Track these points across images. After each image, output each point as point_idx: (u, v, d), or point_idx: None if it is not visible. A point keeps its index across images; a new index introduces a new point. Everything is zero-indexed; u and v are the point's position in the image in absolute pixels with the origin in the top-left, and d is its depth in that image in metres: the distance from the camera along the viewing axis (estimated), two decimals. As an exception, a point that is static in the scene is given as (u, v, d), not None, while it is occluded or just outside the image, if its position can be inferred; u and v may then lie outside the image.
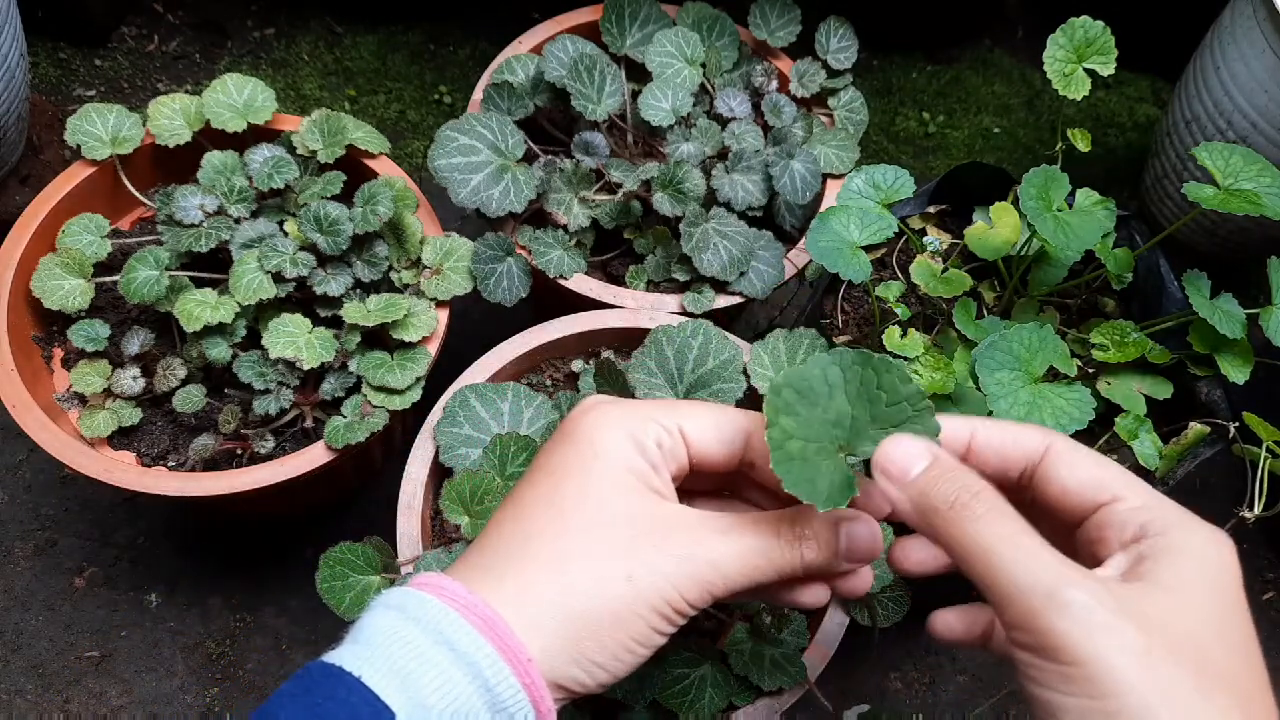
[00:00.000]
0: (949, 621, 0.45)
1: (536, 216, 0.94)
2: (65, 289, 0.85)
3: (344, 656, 0.38)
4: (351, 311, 0.83)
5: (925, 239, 0.91)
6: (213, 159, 0.89)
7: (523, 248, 0.90)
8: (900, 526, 0.44)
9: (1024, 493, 0.41)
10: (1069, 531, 0.41)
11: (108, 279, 0.86)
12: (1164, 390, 0.79)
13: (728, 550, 0.41)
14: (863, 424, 0.42)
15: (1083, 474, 0.40)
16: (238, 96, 0.91)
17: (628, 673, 0.41)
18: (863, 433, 0.42)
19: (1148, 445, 0.76)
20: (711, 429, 0.43)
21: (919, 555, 0.43)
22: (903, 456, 0.40)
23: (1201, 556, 0.37)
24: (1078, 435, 0.68)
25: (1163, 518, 0.38)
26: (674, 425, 0.43)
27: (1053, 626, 0.34)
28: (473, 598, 0.39)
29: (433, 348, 0.85)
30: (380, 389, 0.83)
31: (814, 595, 0.45)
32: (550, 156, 0.93)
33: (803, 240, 0.91)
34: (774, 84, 1.00)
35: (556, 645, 0.39)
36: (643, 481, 0.41)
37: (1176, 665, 0.33)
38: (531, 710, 0.39)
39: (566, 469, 0.42)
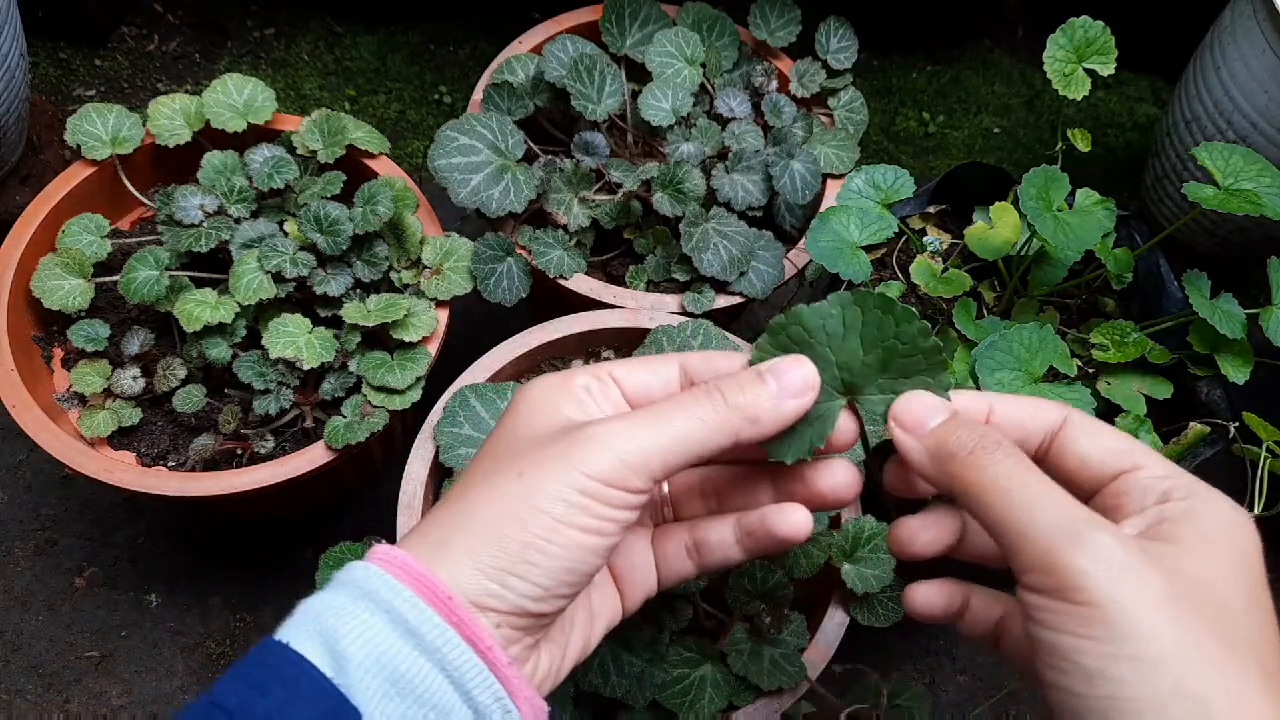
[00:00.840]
0: (929, 596, 0.44)
1: (536, 216, 0.94)
2: (65, 289, 0.85)
3: (281, 630, 0.38)
4: (351, 311, 0.83)
5: (925, 239, 0.91)
6: (213, 159, 0.89)
7: (523, 248, 0.90)
8: (899, 508, 0.44)
9: (1041, 464, 0.40)
10: (1085, 501, 0.39)
11: (108, 279, 0.86)
12: (1164, 390, 0.79)
13: (644, 421, 0.39)
14: (872, 371, 0.41)
15: (1104, 443, 0.39)
16: (238, 96, 0.91)
17: (556, 583, 0.38)
18: (872, 380, 0.41)
19: (1148, 444, 0.76)
20: (642, 368, 0.43)
21: (926, 536, 0.42)
22: (921, 409, 0.40)
23: (1224, 523, 0.36)
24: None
25: (1186, 485, 0.37)
26: (602, 373, 0.43)
27: (1073, 564, 0.33)
28: (395, 550, 0.39)
29: (433, 348, 0.85)
30: (380, 389, 0.83)
31: (793, 516, 0.43)
32: (550, 156, 0.93)
33: (803, 240, 0.91)
34: (774, 84, 1.00)
35: (464, 566, 0.38)
36: (555, 419, 0.41)
37: (1198, 617, 0.33)
38: (463, 644, 0.37)
39: (493, 434, 0.42)
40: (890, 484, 0.44)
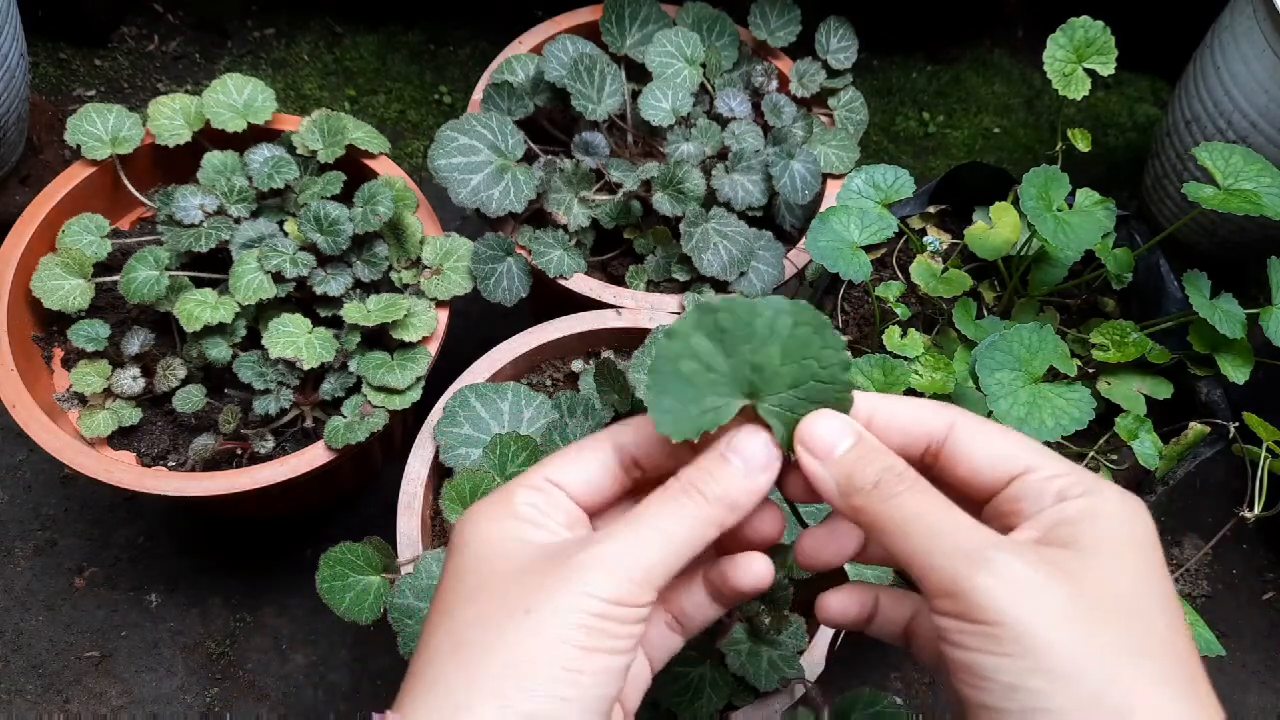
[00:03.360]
0: (843, 602, 0.44)
1: (536, 216, 0.94)
2: (65, 289, 0.85)
3: None
4: (351, 311, 0.83)
5: (925, 239, 0.91)
6: (213, 159, 0.89)
7: (523, 248, 0.90)
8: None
9: (930, 473, 0.40)
10: (978, 509, 0.39)
11: (108, 279, 0.86)
12: (1164, 390, 0.79)
13: (634, 535, 0.38)
14: (781, 382, 0.40)
15: (992, 449, 0.39)
16: (238, 96, 0.91)
17: (593, 702, 0.36)
18: (776, 390, 0.40)
19: (1148, 445, 0.76)
20: (574, 464, 0.41)
21: (833, 547, 0.42)
22: (828, 433, 0.39)
23: (1120, 519, 0.36)
24: (1078, 435, 0.69)
25: (1078, 484, 0.37)
26: (538, 481, 0.40)
27: (975, 587, 0.33)
28: None
29: (433, 348, 0.85)
30: (380, 389, 0.83)
31: (753, 567, 0.42)
32: (550, 156, 0.93)
33: (803, 240, 0.91)
34: (774, 84, 1.00)
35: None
36: (523, 546, 0.39)
37: (1104, 624, 0.33)
38: None
39: (449, 580, 0.39)
40: (792, 494, 0.43)
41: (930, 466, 0.40)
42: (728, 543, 0.43)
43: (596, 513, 0.42)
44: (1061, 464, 0.38)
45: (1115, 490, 0.37)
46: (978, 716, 0.34)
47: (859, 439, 0.39)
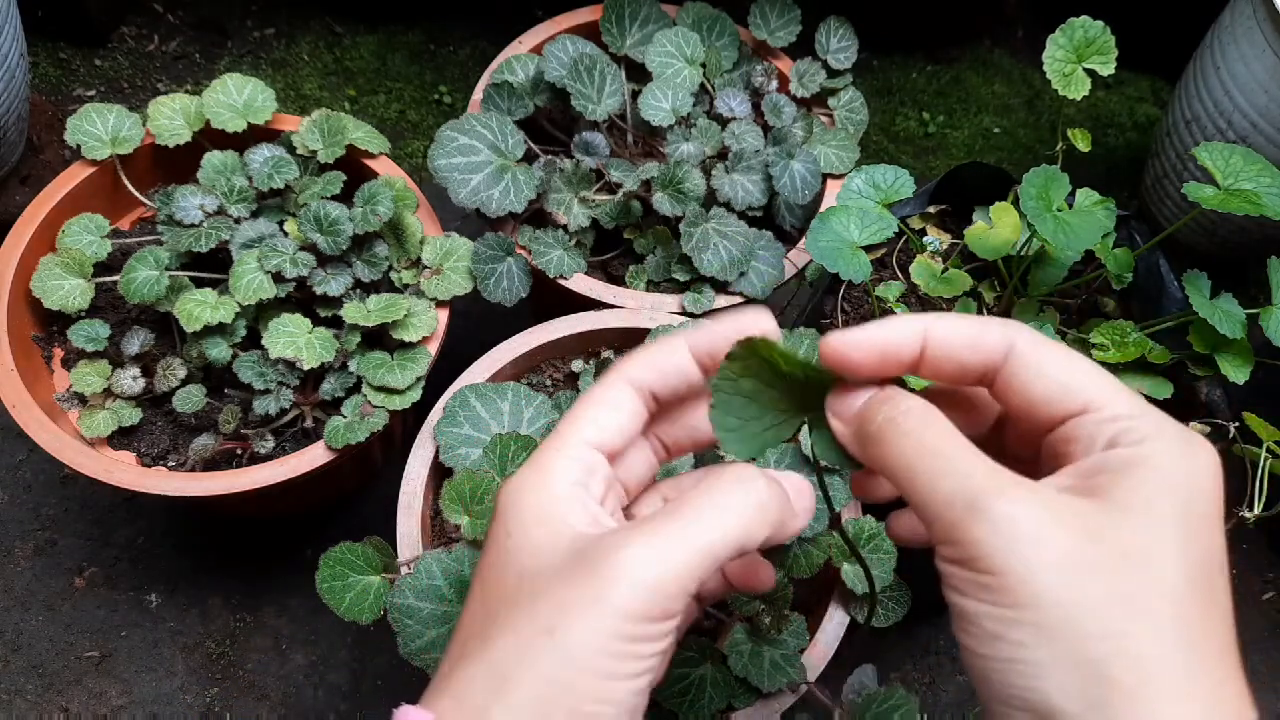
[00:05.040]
0: (912, 522, 0.43)
1: (536, 216, 0.94)
2: (65, 289, 0.85)
3: None
4: (351, 311, 0.83)
5: (925, 239, 0.91)
6: (213, 159, 0.89)
7: (523, 248, 0.90)
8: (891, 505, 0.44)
9: (991, 395, 0.38)
10: (1042, 439, 0.37)
11: (108, 279, 0.86)
12: (1164, 390, 0.79)
13: (670, 535, 0.35)
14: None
15: (1049, 381, 0.35)
16: (238, 96, 0.91)
17: (628, 713, 0.35)
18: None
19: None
20: (601, 411, 0.40)
21: (909, 522, 0.42)
22: (849, 393, 0.38)
23: (1167, 472, 0.33)
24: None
25: (1135, 429, 0.34)
26: (578, 448, 0.39)
27: (969, 536, 0.32)
28: None
29: (433, 348, 0.85)
30: (380, 389, 0.83)
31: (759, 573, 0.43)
32: (550, 156, 0.93)
33: (803, 240, 0.91)
34: (774, 84, 1.00)
35: None
36: (558, 538, 0.37)
37: (1101, 577, 0.31)
38: None
39: (489, 563, 0.39)
40: (855, 491, 0.43)
41: (991, 391, 0.38)
42: None
43: (620, 454, 0.41)
44: (1126, 403, 0.35)
45: (1178, 441, 0.34)
46: (968, 661, 0.34)
47: (874, 393, 0.38)
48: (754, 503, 0.37)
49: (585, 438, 0.39)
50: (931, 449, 0.35)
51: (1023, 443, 0.38)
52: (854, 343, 0.37)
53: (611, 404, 0.40)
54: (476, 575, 0.39)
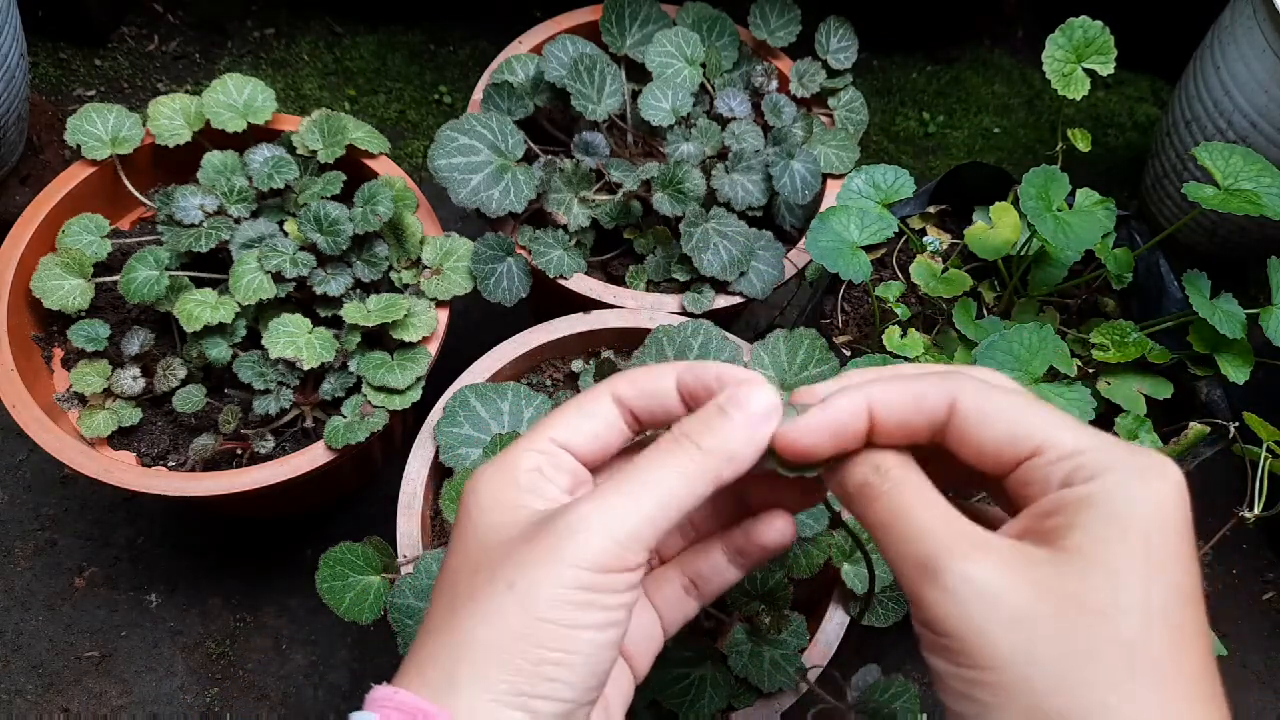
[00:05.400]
0: None
1: (536, 216, 0.94)
2: (65, 289, 0.85)
3: None
4: (351, 311, 0.83)
5: (925, 239, 0.91)
6: (213, 159, 0.89)
7: (523, 248, 0.90)
8: None
9: (940, 451, 0.37)
10: (998, 486, 0.37)
11: (108, 279, 0.86)
12: (1164, 390, 0.79)
13: (621, 492, 0.36)
14: None
15: (996, 430, 0.35)
16: (238, 96, 0.91)
17: (582, 691, 0.36)
18: None
19: (1148, 445, 0.76)
20: (575, 417, 0.40)
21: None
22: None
23: (1125, 505, 0.32)
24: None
25: (1088, 465, 0.33)
26: (543, 443, 0.40)
27: (929, 598, 0.33)
28: (404, 696, 0.36)
29: (433, 348, 0.85)
30: (380, 389, 0.83)
31: (777, 524, 0.43)
32: (550, 156, 0.93)
33: (803, 240, 0.91)
34: (774, 84, 1.00)
35: (480, 700, 0.35)
36: (518, 515, 0.38)
37: (1063, 635, 0.31)
38: None
39: (453, 549, 0.39)
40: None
41: (940, 447, 0.37)
42: (767, 495, 0.43)
43: (601, 467, 0.42)
44: (1079, 439, 0.34)
45: (1133, 472, 0.33)
46: (948, 716, 0.35)
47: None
48: (694, 466, 0.37)
49: (552, 435, 0.40)
50: (900, 512, 0.35)
51: (994, 485, 0.38)
52: (805, 430, 0.37)
53: (587, 411, 0.41)
54: (443, 565, 0.40)
